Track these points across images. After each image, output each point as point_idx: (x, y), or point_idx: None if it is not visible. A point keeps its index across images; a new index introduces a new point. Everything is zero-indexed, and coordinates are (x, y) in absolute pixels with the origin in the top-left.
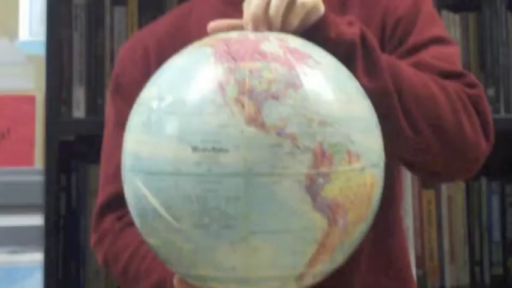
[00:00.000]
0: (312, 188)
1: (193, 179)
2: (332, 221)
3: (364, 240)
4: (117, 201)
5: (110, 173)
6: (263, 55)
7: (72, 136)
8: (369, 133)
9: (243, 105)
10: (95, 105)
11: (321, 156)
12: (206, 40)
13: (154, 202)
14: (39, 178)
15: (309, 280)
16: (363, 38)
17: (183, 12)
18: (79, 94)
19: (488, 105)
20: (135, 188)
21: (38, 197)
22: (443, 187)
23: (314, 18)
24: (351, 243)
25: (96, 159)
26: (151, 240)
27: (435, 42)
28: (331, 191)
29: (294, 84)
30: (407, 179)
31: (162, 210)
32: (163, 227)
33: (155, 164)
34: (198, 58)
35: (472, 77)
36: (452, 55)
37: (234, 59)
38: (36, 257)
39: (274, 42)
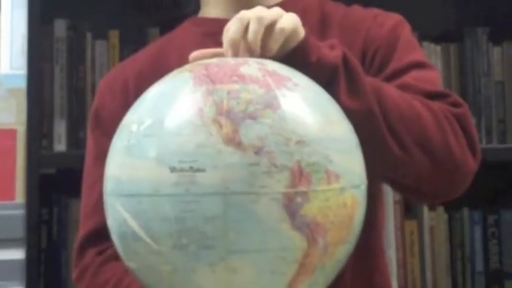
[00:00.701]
0: (290, 206)
1: (171, 199)
2: (311, 241)
3: (346, 267)
4: (98, 236)
5: (90, 207)
6: (241, 77)
7: (54, 169)
8: (348, 154)
9: (220, 126)
10: (76, 139)
11: (299, 175)
12: (186, 66)
13: (133, 225)
14: (20, 212)
15: None
16: (345, 60)
17: (163, 44)
18: (60, 127)
19: (473, 124)
20: (115, 212)
21: (19, 230)
22: (426, 218)
23: (294, 42)
24: (333, 264)
25: (77, 192)
26: (132, 264)
27: (415, 67)
28: (310, 210)
29: (272, 105)
30: (390, 210)
31: (141, 233)
32: (143, 249)
33: (134, 186)
34: (177, 83)
35: (456, 97)
36: (434, 78)
37: (213, 82)
38: None
39: (254, 66)
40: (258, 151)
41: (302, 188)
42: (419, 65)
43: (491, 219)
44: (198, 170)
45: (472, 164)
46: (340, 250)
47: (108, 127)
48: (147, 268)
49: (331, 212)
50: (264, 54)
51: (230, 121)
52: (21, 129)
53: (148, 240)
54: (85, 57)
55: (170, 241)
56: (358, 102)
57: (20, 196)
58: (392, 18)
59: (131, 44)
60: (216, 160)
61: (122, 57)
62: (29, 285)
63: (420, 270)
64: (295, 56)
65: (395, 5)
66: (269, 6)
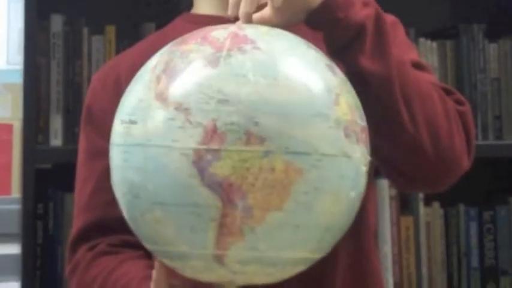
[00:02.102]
0: (200, 163)
1: (118, 149)
2: (227, 201)
3: (338, 266)
4: (89, 231)
5: (83, 203)
6: (204, 39)
7: (49, 164)
8: (290, 120)
9: (158, 82)
10: (72, 134)
11: (212, 133)
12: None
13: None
14: (16, 207)
15: (235, 266)
16: (377, 20)
17: (155, 40)
18: (56, 122)
19: (474, 124)
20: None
21: (14, 225)
22: (422, 213)
23: None
24: (268, 231)
25: (73, 187)
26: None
27: (413, 67)
28: (222, 169)
29: (211, 64)
30: (385, 205)
31: (112, 181)
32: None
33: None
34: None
35: (460, 95)
36: (431, 80)
37: (181, 43)
38: (13, 286)
39: (228, 29)
40: (178, 107)
41: (213, 146)
42: (417, 65)
43: (487, 215)
44: (133, 123)
45: (466, 163)
46: (274, 216)
47: (100, 123)
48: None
49: (251, 175)
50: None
51: (167, 78)
52: (17, 124)
53: (114, 187)
54: (81, 53)
55: (119, 189)
56: (380, 65)
57: (16, 191)
58: (388, 19)
59: (127, 39)
60: (145, 114)
61: (118, 52)
62: (24, 280)
63: (416, 266)
64: (323, 11)
65: (391, 1)
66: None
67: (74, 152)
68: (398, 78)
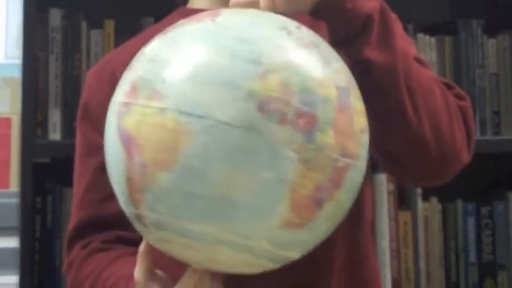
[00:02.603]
0: (119, 115)
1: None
2: (129, 154)
3: (336, 258)
4: (84, 229)
5: (78, 200)
6: (192, 18)
7: (48, 158)
8: (194, 82)
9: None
10: (70, 128)
11: (132, 89)
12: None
13: None
14: (15, 200)
15: (153, 230)
16: (382, 12)
17: (150, 35)
18: (55, 116)
19: (474, 119)
20: None
21: (13, 219)
22: (420, 209)
23: None
24: (157, 192)
25: (71, 181)
26: None
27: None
28: (128, 122)
29: (167, 31)
30: (384, 200)
31: None
32: None
33: None
34: None
35: (460, 89)
36: (433, 75)
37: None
38: (11, 280)
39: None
40: (129, 68)
41: (128, 100)
42: (416, 61)
43: (484, 210)
44: None
45: (466, 157)
46: (161, 177)
47: (96, 118)
48: None
49: (147, 130)
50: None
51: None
52: (15, 118)
53: None
54: (80, 47)
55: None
56: (385, 56)
57: (14, 185)
58: None
59: (126, 33)
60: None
61: (117, 47)
62: (23, 274)
63: (414, 261)
64: (331, 1)
65: None
66: None
67: (73, 146)
68: (403, 69)
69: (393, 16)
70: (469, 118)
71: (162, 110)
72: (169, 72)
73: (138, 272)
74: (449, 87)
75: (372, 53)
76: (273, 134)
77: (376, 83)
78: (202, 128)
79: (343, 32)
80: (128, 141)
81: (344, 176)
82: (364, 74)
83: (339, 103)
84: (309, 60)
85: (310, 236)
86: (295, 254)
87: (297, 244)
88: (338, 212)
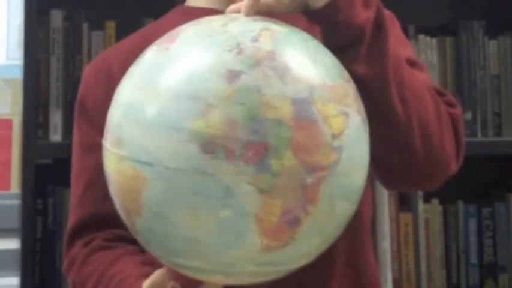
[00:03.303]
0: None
1: None
2: (112, 195)
3: (337, 259)
4: (84, 226)
5: (77, 198)
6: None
7: (49, 160)
8: (145, 128)
9: None
10: (71, 129)
11: (107, 131)
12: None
13: None
14: (16, 202)
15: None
16: (378, 21)
17: (149, 32)
18: (56, 118)
19: (464, 127)
20: None
21: (14, 220)
22: (421, 210)
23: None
24: (143, 235)
25: None
26: None
27: (408, 64)
28: (106, 163)
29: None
30: (385, 202)
31: None
32: None
33: None
34: None
35: (451, 97)
36: (425, 79)
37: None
38: (12, 281)
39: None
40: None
41: (104, 143)
42: (411, 63)
43: (486, 212)
44: None
45: (454, 167)
46: (135, 221)
47: (93, 116)
48: None
49: (114, 176)
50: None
51: None
52: (16, 120)
53: None
54: (81, 48)
55: None
56: (375, 69)
57: (15, 186)
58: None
59: (127, 34)
60: None
61: None
62: (24, 275)
63: (415, 263)
64: (324, 13)
65: None
66: None
67: None
68: (394, 77)
69: (389, 15)
70: (459, 126)
71: (121, 157)
72: (126, 118)
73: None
74: (440, 93)
75: (360, 67)
76: (223, 172)
77: (369, 95)
78: (156, 175)
79: (335, 43)
80: (108, 183)
81: (318, 190)
82: (356, 83)
83: (296, 119)
84: (255, 82)
85: (299, 249)
86: (291, 266)
87: (286, 259)
88: (324, 221)
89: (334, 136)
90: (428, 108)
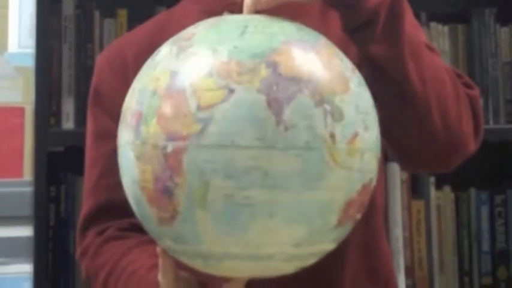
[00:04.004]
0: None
1: None
2: None
3: (351, 244)
4: (98, 214)
5: (91, 186)
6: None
7: (62, 147)
8: None
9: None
10: (84, 117)
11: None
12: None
13: None
14: (29, 189)
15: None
16: (394, 2)
17: (162, 21)
18: (68, 106)
19: (482, 109)
20: None
21: (27, 208)
22: (433, 197)
23: None
24: None
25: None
26: None
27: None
28: None
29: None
30: (397, 189)
31: None
32: None
33: None
34: None
35: (468, 78)
36: (442, 63)
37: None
38: (25, 268)
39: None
40: None
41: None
42: (427, 47)
43: (498, 199)
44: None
45: (473, 146)
46: None
47: (108, 104)
48: None
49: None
50: None
51: None
52: (29, 108)
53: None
54: (93, 36)
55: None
56: (391, 50)
57: (28, 174)
58: None
59: (139, 22)
60: None
61: None
62: (37, 262)
63: (427, 250)
64: None
65: None
66: None
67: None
68: (413, 58)
69: (405, 4)
70: (478, 107)
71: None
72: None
73: (163, 275)
74: (458, 75)
75: (376, 48)
76: (122, 138)
77: (386, 76)
78: None
79: (350, 25)
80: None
81: (181, 159)
82: (373, 67)
83: (167, 89)
84: (162, 58)
85: (192, 226)
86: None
87: (180, 235)
88: (194, 195)
89: (200, 108)
90: (447, 88)
